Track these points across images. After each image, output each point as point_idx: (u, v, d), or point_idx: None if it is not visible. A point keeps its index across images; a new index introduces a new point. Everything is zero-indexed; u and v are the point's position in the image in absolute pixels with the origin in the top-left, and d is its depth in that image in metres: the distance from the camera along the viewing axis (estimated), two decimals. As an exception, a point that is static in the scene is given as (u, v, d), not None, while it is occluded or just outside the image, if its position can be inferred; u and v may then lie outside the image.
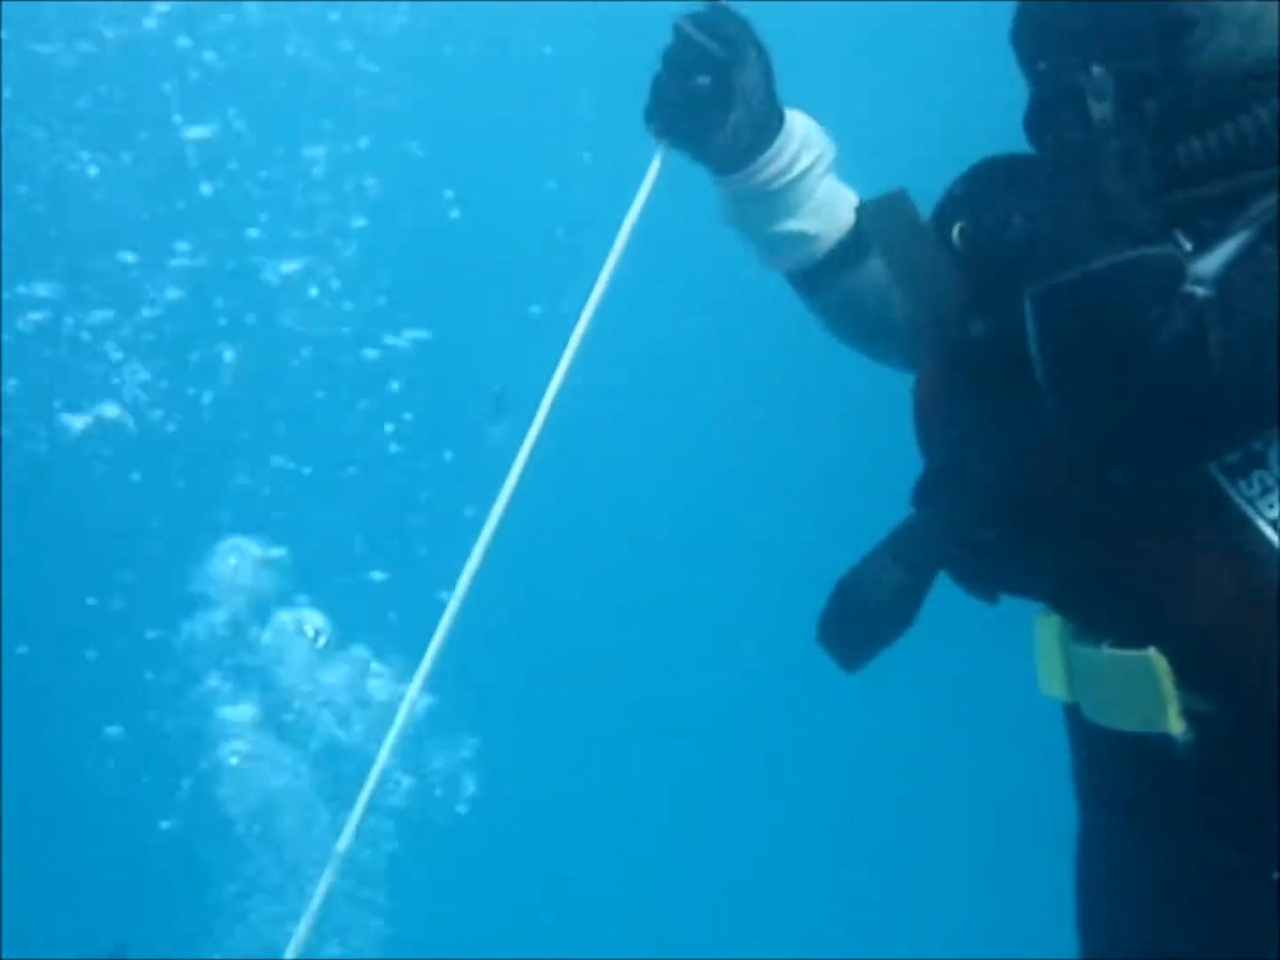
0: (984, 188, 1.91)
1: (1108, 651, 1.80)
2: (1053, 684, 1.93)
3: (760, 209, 2.13)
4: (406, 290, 7.06)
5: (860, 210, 2.03)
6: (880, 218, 1.92)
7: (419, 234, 7.01)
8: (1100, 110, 1.74)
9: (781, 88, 2.11)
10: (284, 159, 6.81)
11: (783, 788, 6.92)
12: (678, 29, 2.06)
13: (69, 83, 6.63)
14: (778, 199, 2.12)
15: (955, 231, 1.88)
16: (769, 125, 2.10)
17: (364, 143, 6.91)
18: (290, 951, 1.89)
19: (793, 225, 2.13)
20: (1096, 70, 1.74)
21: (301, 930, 1.91)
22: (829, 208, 2.15)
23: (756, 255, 2.20)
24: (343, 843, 1.95)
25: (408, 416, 7.08)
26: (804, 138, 2.13)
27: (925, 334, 1.90)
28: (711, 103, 2.06)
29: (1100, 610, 1.84)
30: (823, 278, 2.17)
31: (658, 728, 6.99)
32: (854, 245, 2.15)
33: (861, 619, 1.90)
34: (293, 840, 6.21)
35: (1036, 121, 1.87)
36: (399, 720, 2.01)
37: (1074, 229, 1.72)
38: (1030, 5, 1.87)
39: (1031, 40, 1.87)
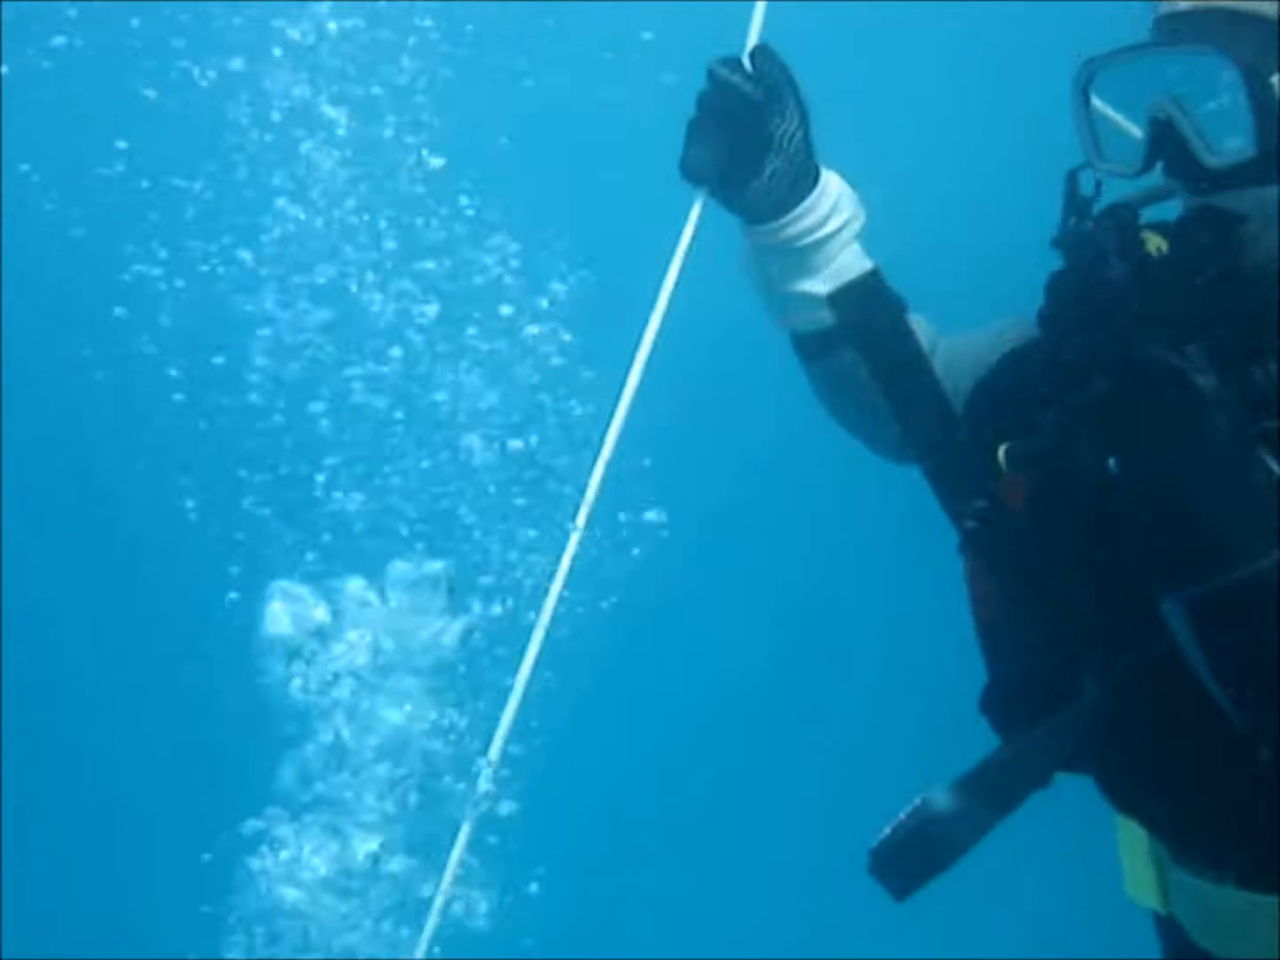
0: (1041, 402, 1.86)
1: (1236, 893, 1.77)
2: (1144, 895, 1.90)
3: (781, 264, 2.10)
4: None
5: (833, 301, 2.05)
6: (856, 309, 1.98)
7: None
8: (1207, 383, 1.68)
9: (819, 141, 2.10)
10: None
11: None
12: (713, 73, 2.03)
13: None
14: (801, 257, 2.08)
15: (1001, 453, 1.86)
16: (804, 178, 2.06)
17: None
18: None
19: (810, 286, 2.09)
20: (1191, 349, 1.70)
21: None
22: (849, 274, 2.10)
23: (768, 310, 2.17)
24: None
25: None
26: (836, 199, 2.09)
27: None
28: (749, 149, 2.04)
29: (1225, 852, 1.79)
30: (828, 345, 2.12)
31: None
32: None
33: (929, 857, 1.82)
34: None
35: (1128, 401, 1.76)
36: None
37: (1216, 515, 1.66)
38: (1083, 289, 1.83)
39: (1091, 319, 1.81)
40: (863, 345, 2.03)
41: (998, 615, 1.90)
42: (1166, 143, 1.79)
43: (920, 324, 2.13)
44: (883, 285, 2.09)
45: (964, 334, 2.18)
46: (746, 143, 2.03)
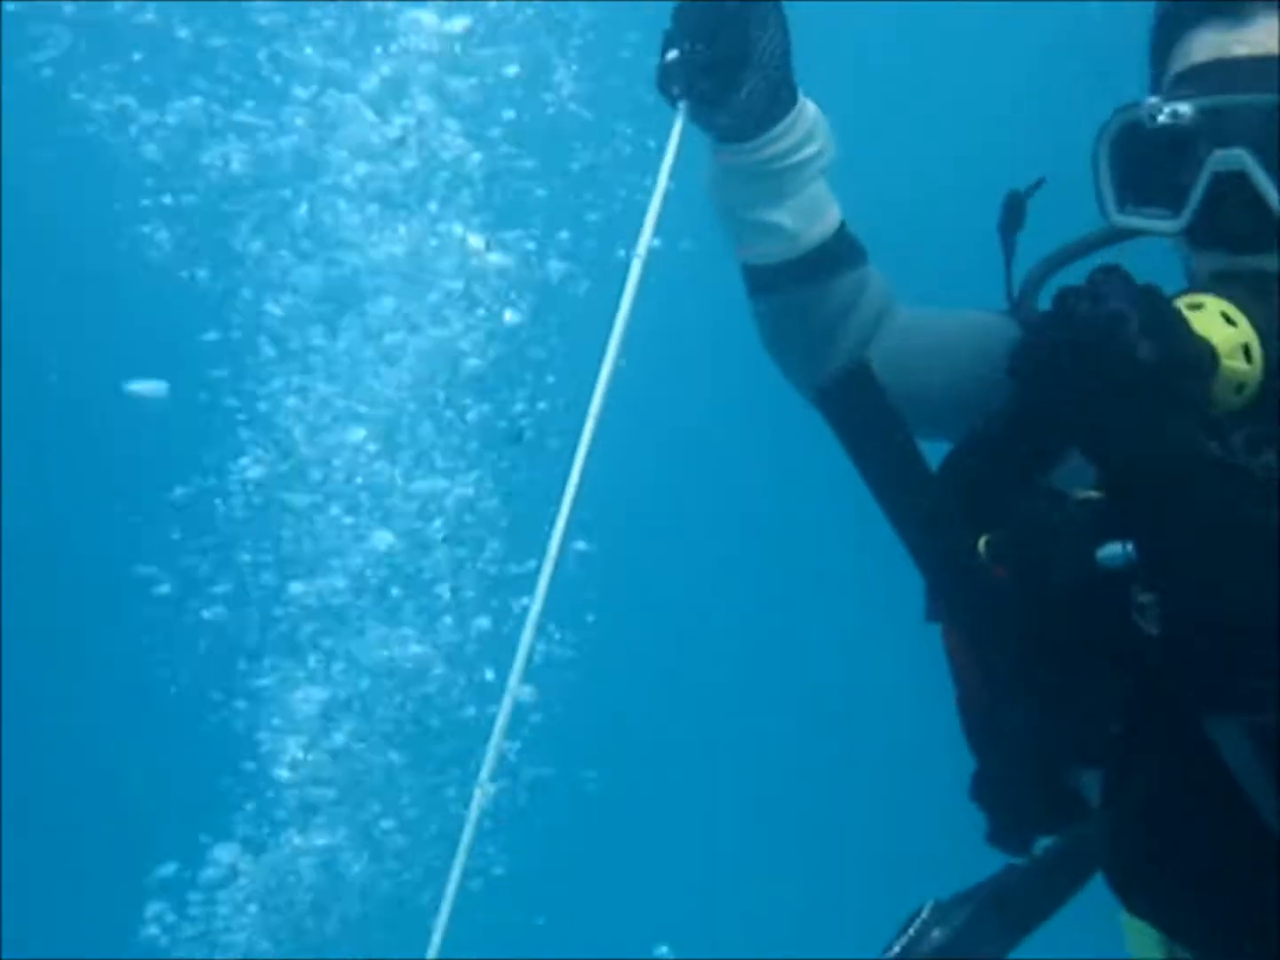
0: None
1: None
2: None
3: (750, 189, 2.00)
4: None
5: (820, 394, 1.83)
6: (843, 402, 1.77)
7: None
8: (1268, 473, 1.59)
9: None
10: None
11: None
12: None
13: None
14: (771, 181, 1.99)
15: (981, 545, 1.71)
16: (781, 99, 1.96)
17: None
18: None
19: (775, 216, 1.99)
20: (1235, 438, 1.60)
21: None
22: (814, 209, 2.01)
23: (726, 237, 2.07)
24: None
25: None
26: (811, 126, 2.00)
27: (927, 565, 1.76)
28: (727, 62, 1.91)
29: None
30: (782, 280, 2.03)
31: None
32: (824, 260, 2.03)
33: None
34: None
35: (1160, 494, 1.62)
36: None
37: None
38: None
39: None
40: (849, 432, 1.80)
41: (982, 694, 1.79)
42: (1231, 196, 1.67)
43: (875, 279, 2.07)
44: (849, 243, 2.03)
45: (926, 311, 2.10)
46: (725, 55, 1.91)
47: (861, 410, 1.77)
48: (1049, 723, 1.72)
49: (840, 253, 2.04)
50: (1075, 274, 1.88)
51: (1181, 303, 1.63)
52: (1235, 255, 1.70)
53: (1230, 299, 1.63)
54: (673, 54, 1.92)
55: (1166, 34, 1.80)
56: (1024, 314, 1.97)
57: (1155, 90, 1.81)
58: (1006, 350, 1.80)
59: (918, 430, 1.89)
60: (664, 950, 6.72)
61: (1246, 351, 1.60)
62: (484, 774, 1.90)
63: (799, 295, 2.03)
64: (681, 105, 1.96)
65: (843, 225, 2.04)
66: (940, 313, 2.10)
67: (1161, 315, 1.56)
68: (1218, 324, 1.60)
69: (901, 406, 1.85)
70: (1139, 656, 1.64)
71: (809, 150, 1.99)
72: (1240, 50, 1.71)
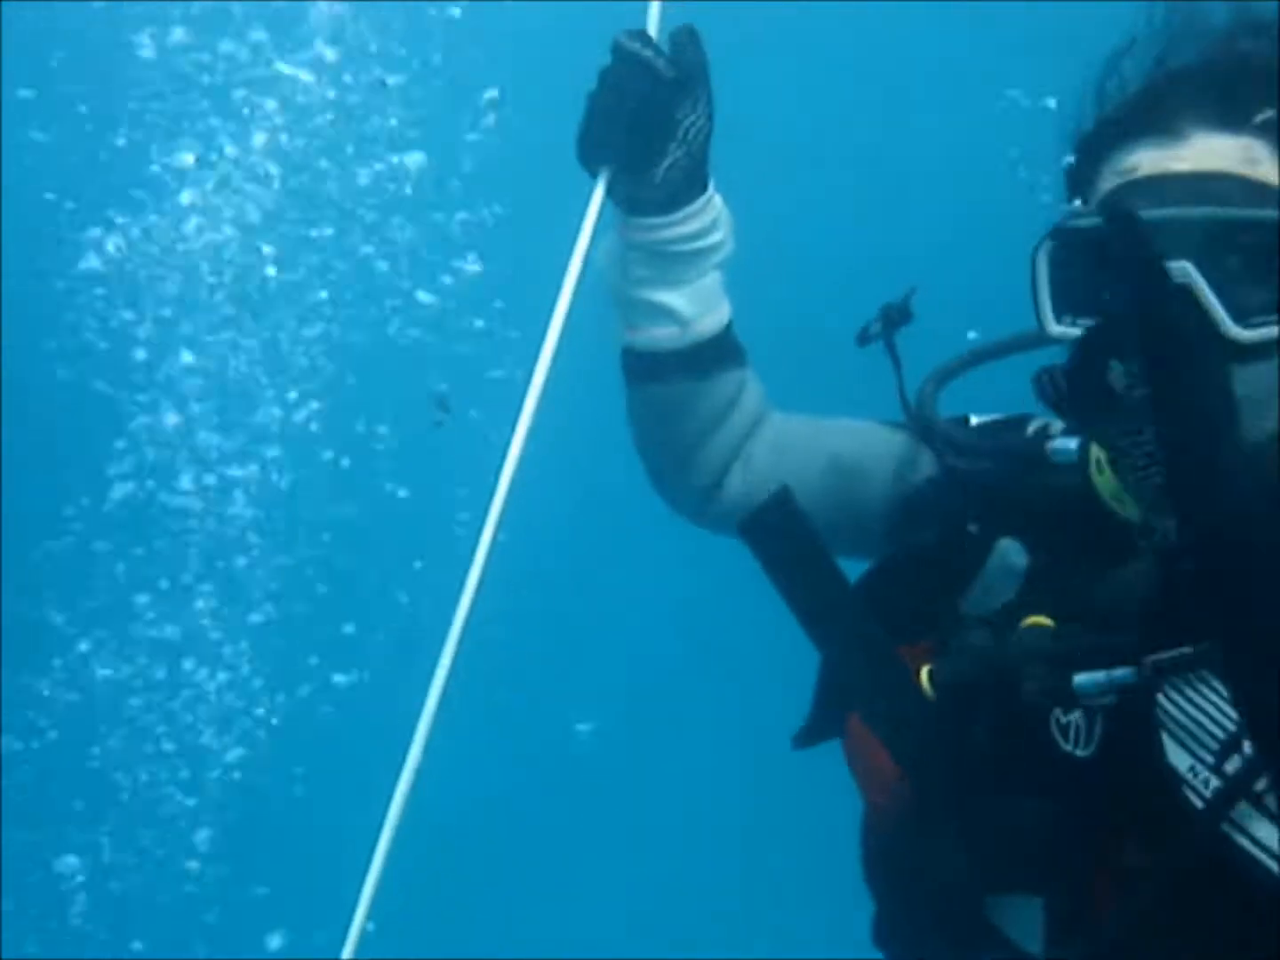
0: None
1: None
2: None
3: (649, 268, 1.96)
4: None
5: (744, 527, 1.77)
6: (770, 540, 1.74)
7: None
8: None
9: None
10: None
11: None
12: (622, 47, 1.88)
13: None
14: (672, 263, 1.96)
15: (924, 677, 1.69)
16: (696, 181, 1.93)
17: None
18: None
19: (670, 299, 1.97)
20: None
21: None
22: (709, 299, 1.99)
23: (616, 315, 2.02)
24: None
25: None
26: (718, 216, 1.97)
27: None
28: (651, 135, 1.89)
29: None
30: (667, 369, 1.99)
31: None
32: (712, 354, 2.00)
33: None
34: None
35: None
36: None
37: None
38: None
39: None
40: (771, 562, 1.76)
41: (894, 819, 1.75)
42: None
43: (754, 383, 2.05)
44: (735, 342, 2.02)
45: (802, 421, 2.07)
46: (649, 127, 1.88)
47: (785, 540, 1.75)
48: (980, 846, 1.69)
49: (727, 349, 2.02)
50: (971, 381, 1.96)
51: None
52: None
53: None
54: (595, 123, 1.90)
55: (1098, 151, 1.80)
56: (922, 421, 1.91)
57: (1081, 201, 1.80)
58: (890, 463, 1.93)
59: None
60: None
61: None
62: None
63: (681, 388, 2.00)
64: (603, 171, 1.94)
65: (730, 323, 2.02)
66: (817, 425, 2.07)
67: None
68: None
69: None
70: (1073, 780, 1.65)
71: (713, 238, 1.97)
72: (1179, 166, 1.71)
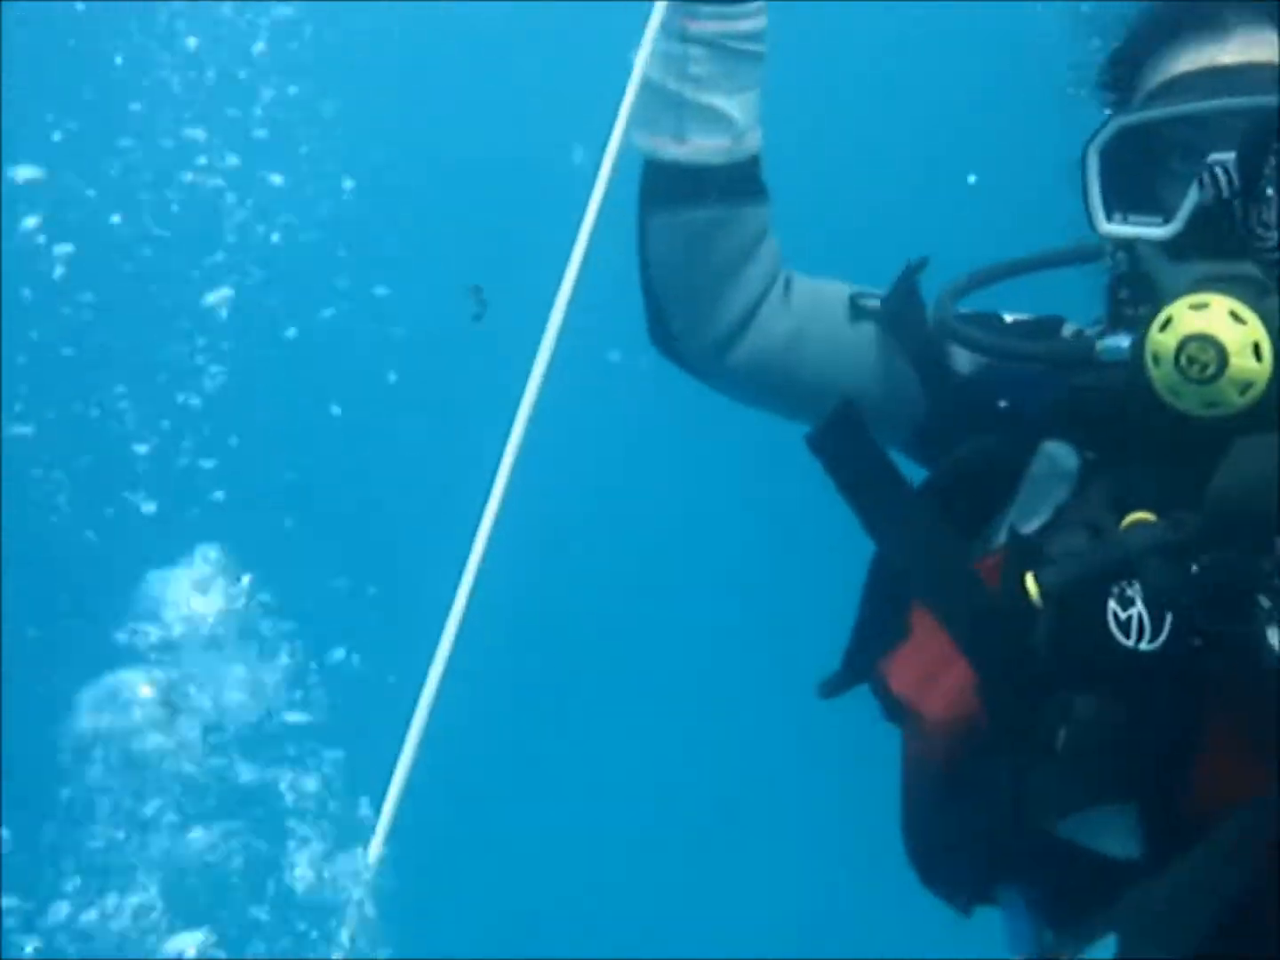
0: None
1: None
2: None
3: (711, 65, 1.89)
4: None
5: (811, 442, 1.80)
6: (835, 448, 1.76)
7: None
8: None
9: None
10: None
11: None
12: None
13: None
14: (736, 63, 1.90)
15: (1030, 584, 1.67)
16: None
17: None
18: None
19: (727, 105, 1.89)
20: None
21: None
22: (756, 111, 1.93)
23: (665, 126, 1.92)
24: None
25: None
26: (764, 24, 1.93)
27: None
28: None
29: None
30: (711, 186, 1.92)
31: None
32: (752, 177, 1.95)
33: None
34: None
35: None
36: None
37: None
38: None
39: None
40: (843, 477, 1.80)
41: (967, 728, 1.75)
42: (1227, 204, 1.67)
43: (771, 246, 1.99)
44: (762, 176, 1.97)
45: (820, 289, 2.03)
46: None
47: (854, 455, 1.77)
48: (1064, 757, 1.68)
49: (759, 177, 1.96)
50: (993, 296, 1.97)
51: (1183, 303, 1.65)
52: (1232, 261, 1.69)
53: (1238, 297, 1.63)
54: None
55: (1140, 49, 1.82)
56: (948, 330, 1.91)
57: (1120, 106, 1.83)
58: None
59: (791, 407, 1.96)
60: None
61: (1256, 350, 1.61)
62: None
63: (720, 211, 1.92)
64: None
65: (761, 155, 1.97)
66: (834, 294, 2.02)
67: None
68: (1225, 322, 1.62)
69: (782, 384, 1.92)
70: (1145, 675, 1.65)
71: (763, 46, 1.93)
72: (1225, 59, 1.73)
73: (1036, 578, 1.67)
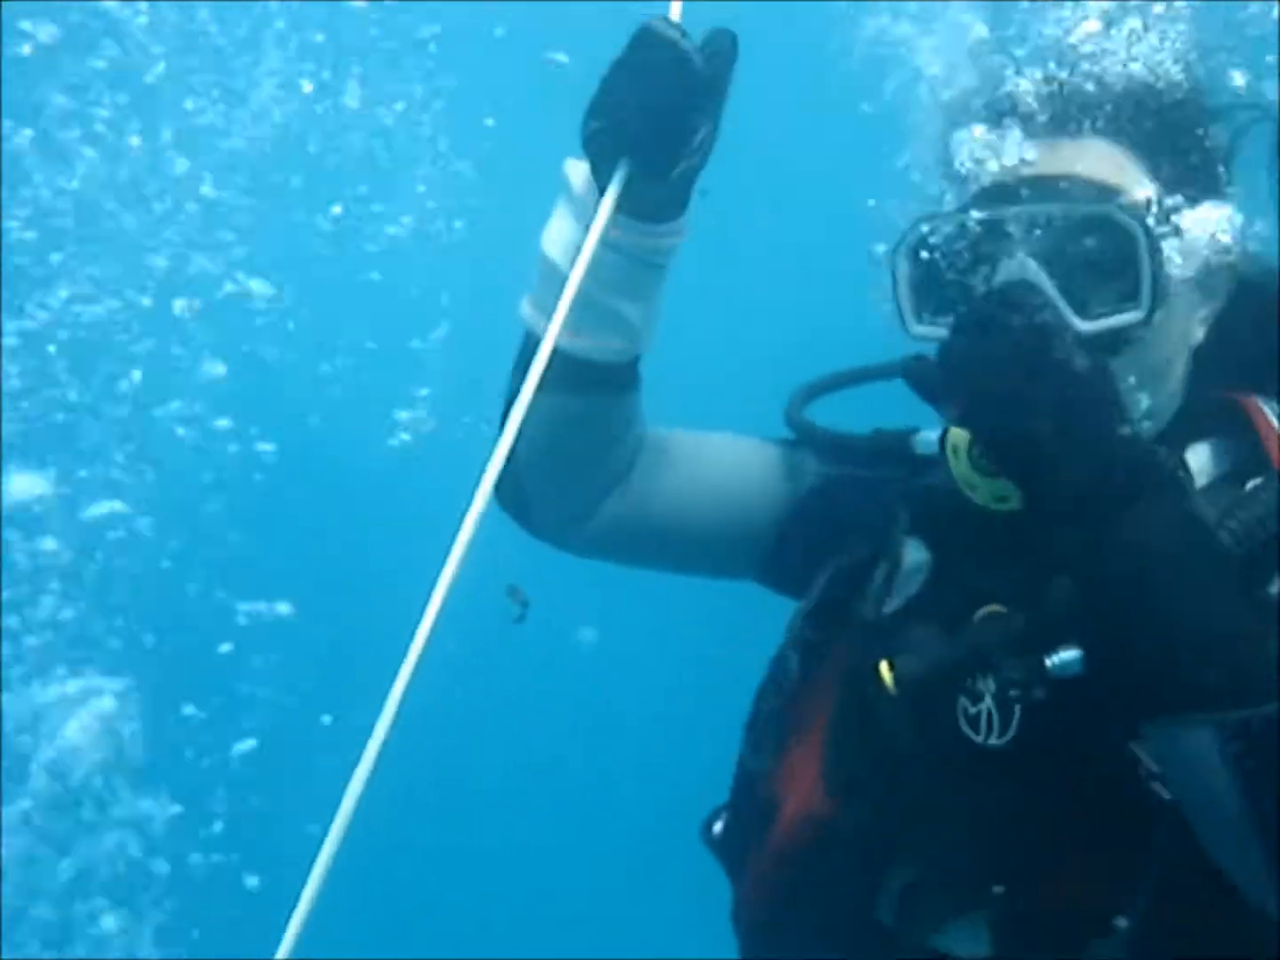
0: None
1: None
2: None
3: (624, 273, 1.84)
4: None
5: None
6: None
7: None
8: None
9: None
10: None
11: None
12: (657, 33, 1.71)
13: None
14: (648, 274, 1.86)
15: (885, 672, 1.72)
16: (690, 193, 1.83)
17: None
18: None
19: (631, 312, 1.86)
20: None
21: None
22: (653, 322, 1.91)
23: (567, 319, 1.80)
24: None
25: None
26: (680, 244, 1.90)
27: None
28: (675, 132, 1.73)
29: None
30: (605, 382, 1.90)
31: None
32: (634, 373, 1.94)
33: None
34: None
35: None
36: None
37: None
38: None
39: None
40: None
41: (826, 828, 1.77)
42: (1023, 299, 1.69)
43: (638, 427, 2.01)
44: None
45: (680, 433, 2.06)
46: (671, 125, 1.73)
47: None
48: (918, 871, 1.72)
49: (639, 372, 1.96)
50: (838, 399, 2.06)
51: None
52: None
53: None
54: (609, 110, 1.74)
55: (954, 152, 1.82)
56: (797, 424, 2.00)
57: (943, 203, 1.85)
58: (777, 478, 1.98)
59: (664, 558, 2.04)
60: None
61: None
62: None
63: (601, 401, 1.91)
64: (623, 165, 1.76)
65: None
66: (697, 441, 2.06)
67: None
68: None
69: (654, 533, 1.97)
70: (993, 772, 1.69)
71: (671, 261, 1.89)
72: (1043, 169, 1.76)
73: (892, 665, 1.70)
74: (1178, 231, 1.75)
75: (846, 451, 1.98)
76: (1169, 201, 1.76)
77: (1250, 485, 1.74)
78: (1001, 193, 1.76)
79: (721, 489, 2.01)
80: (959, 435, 1.69)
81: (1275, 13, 1.99)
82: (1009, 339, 1.59)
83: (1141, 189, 1.76)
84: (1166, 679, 1.54)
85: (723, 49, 1.74)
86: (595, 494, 1.99)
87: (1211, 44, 1.82)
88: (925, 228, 1.78)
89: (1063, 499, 1.56)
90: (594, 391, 1.90)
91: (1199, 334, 1.82)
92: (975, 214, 1.75)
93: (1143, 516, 1.55)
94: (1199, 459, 1.81)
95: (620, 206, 1.77)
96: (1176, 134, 1.80)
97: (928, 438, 1.80)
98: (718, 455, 2.04)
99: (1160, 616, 1.54)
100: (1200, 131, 1.81)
